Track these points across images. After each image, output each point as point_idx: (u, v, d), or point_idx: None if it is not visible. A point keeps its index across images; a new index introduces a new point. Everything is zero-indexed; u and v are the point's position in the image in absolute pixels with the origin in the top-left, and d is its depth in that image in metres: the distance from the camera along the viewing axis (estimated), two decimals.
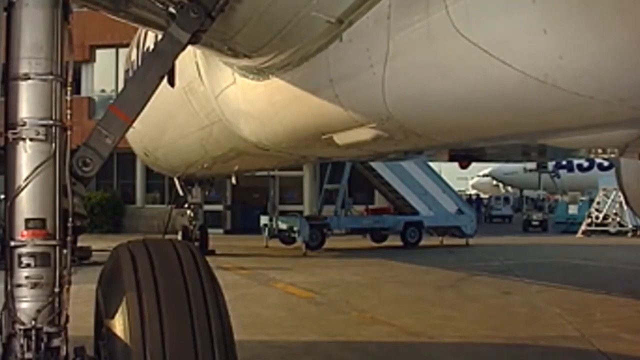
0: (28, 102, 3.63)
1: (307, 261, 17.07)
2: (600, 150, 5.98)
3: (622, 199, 20.67)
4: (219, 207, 26.52)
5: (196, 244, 16.12)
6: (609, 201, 27.35)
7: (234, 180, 14.87)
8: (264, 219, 21.43)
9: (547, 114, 3.99)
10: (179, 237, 17.16)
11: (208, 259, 3.85)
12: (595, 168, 39.25)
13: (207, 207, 19.53)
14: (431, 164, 22.59)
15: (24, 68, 3.64)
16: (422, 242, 21.45)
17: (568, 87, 3.39)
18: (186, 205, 17.71)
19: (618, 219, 27.30)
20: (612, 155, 6.17)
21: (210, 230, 19.46)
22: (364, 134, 5.48)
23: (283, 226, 20.30)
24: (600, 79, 3.32)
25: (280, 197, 24.00)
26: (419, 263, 16.37)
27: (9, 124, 3.62)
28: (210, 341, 3.30)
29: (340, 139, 5.93)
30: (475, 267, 15.55)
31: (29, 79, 3.63)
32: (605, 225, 27.47)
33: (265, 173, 20.92)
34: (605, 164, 33.94)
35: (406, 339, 7.97)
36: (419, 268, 15.68)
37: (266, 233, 20.87)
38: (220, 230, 25.95)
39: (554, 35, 3.22)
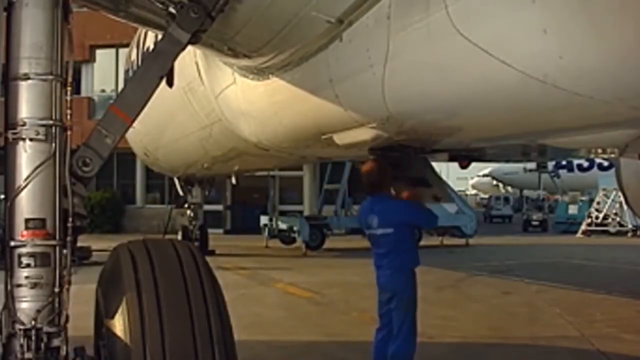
0: (28, 102, 3.63)
1: (307, 261, 17.05)
2: (600, 150, 5.97)
3: (622, 199, 20.64)
4: (219, 207, 26.51)
5: (196, 244, 16.11)
6: (609, 201, 27.29)
7: (234, 180, 14.85)
8: (264, 219, 21.41)
9: (547, 114, 3.99)
10: (179, 237, 17.14)
11: (208, 259, 3.85)
12: (595, 168, 39.13)
13: (207, 207, 19.48)
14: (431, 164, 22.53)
15: (24, 68, 3.64)
16: (422, 242, 21.41)
17: (568, 87, 3.38)
18: (186, 205, 17.69)
19: (618, 219, 27.24)
20: (612, 155, 6.16)
21: (210, 230, 19.43)
22: (364, 134, 5.47)
23: (283, 226, 20.28)
24: (600, 79, 3.31)
25: (280, 197, 23.95)
26: None
27: (9, 124, 3.63)
28: (210, 341, 3.29)
29: (340, 139, 5.92)
30: (475, 267, 15.53)
31: (29, 79, 3.63)
32: (605, 225, 27.41)
33: (265, 173, 20.89)
34: (605, 164, 33.86)
35: None
36: (418, 268, 15.62)
37: (266, 233, 20.84)
38: (220, 230, 25.92)
39: (554, 35, 3.21)
